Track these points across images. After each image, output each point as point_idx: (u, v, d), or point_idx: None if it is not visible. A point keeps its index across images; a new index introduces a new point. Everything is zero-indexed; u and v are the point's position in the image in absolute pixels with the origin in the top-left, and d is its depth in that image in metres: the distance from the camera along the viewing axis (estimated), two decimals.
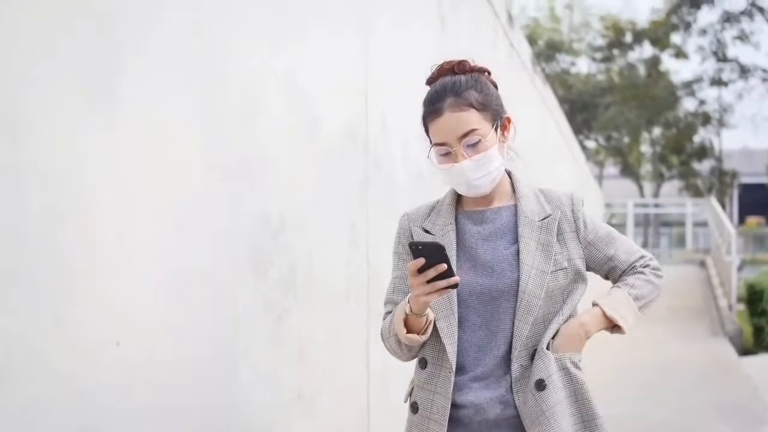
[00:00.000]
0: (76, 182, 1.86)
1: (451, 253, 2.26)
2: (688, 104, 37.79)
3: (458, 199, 2.39)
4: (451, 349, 2.23)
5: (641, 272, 2.36)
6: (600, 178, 36.34)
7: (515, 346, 2.22)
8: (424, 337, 2.23)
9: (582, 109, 36.15)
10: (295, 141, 2.97)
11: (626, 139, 38.47)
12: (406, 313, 2.20)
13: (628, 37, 37.22)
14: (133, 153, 2.06)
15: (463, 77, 2.27)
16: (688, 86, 36.87)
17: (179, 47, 2.25)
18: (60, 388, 1.82)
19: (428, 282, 2.05)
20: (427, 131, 2.30)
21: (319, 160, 3.16)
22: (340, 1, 3.39)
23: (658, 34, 35.57)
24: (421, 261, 2.03)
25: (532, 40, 35.02)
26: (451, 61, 2.32)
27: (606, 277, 2.40)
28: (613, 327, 2.29)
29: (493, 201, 2.34)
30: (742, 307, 15.91)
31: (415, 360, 2.36)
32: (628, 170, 39.08)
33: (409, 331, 2.24)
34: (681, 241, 32.40)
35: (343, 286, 3.40)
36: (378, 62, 3.75)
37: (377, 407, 3.71)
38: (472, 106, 2.22)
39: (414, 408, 2.33)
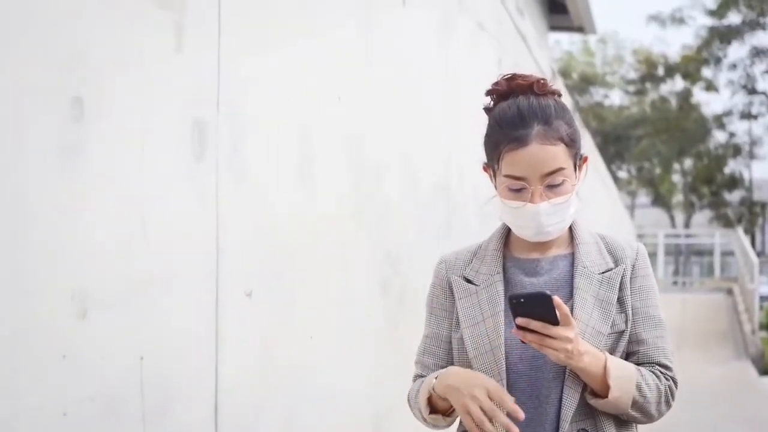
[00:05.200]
0: (292, 231, 2.90)
1: (499, 308, 1.95)
2: (719, 136, 38.09)
3: (506, 241, 2.04)
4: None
5: (659, 378, 1.94)
6: (632, 208, 36.93)
7: (564, 418, 1.88)
8: (450, 420, 1.93)
9: (615, 140, 36.80)
10: (404, 195, 3.99)
11: (658, 170, 38.83)
12: (429, 392, 1.91)
13: (661, 71, 37.90)
14: (326, 213, 3.10)
15: (551, 102, 1.90)
16: (719, 119, 37.20)
17: (338, 140, 3.30)
18: (264, 365, 2.87)
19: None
20: (496, 158, 1.91)
21: (419, 209, 4.20)
22: (432, 93, 4.45)
23: (689, 68, 36.02)
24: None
25: (566, 73, 35.92)
26: (526, 77, 1.93)
27: (611, 352, 1.92)
28: (593, 393, 1.90)
29: (549, 248, 1.98)
30: (765, 333, 16.76)
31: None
32: (660, 200, 39.53)
33: (432, 411, 1.95)
34: (711, 270, 33.02)
35: None
36: (457, 126, 4.80)
37: None
38: (562, 140, 1.87)
39: None
